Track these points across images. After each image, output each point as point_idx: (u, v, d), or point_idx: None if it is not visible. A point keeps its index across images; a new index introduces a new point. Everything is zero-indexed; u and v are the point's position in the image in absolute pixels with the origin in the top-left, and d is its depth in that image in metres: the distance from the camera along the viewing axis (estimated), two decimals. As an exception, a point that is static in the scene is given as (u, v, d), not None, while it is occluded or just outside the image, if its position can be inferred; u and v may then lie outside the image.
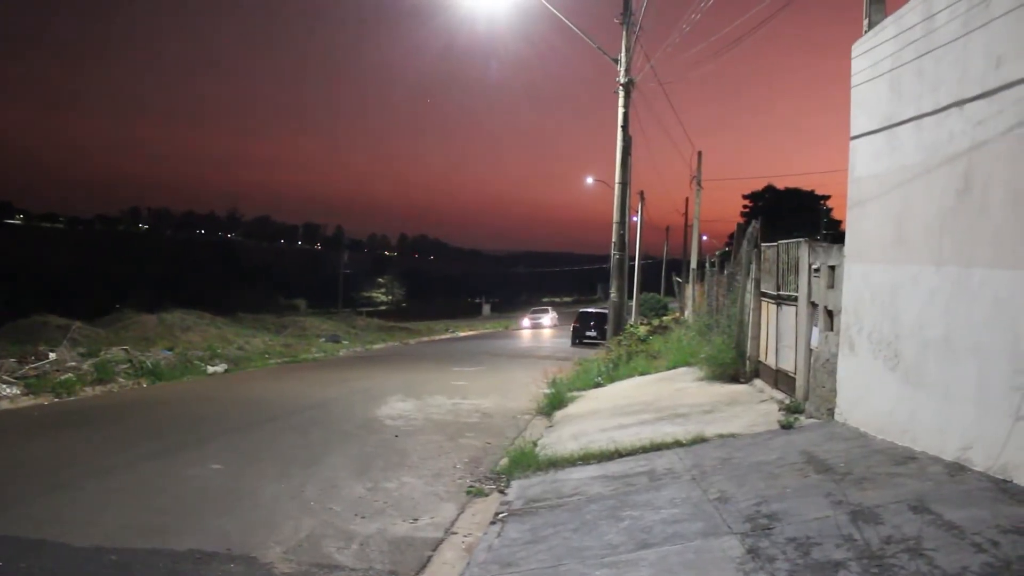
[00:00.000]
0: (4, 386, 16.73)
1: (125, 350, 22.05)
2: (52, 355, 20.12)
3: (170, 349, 24.05)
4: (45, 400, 16.32)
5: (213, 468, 9.51)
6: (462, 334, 49.22)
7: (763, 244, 12.65)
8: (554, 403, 13.76)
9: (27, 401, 16.11)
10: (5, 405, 15.62)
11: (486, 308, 78.71)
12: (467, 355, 29.80)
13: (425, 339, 43.84)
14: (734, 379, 12.84)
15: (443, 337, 46.20)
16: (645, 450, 8.64)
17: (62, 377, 18.02)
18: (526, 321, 62.47)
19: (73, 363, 19.70)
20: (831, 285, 9.02)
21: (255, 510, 7.63)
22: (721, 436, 8.72)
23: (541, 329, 57.24)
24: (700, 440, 8.68)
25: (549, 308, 67.17)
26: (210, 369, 22.55)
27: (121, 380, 19.28)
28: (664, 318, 29.54)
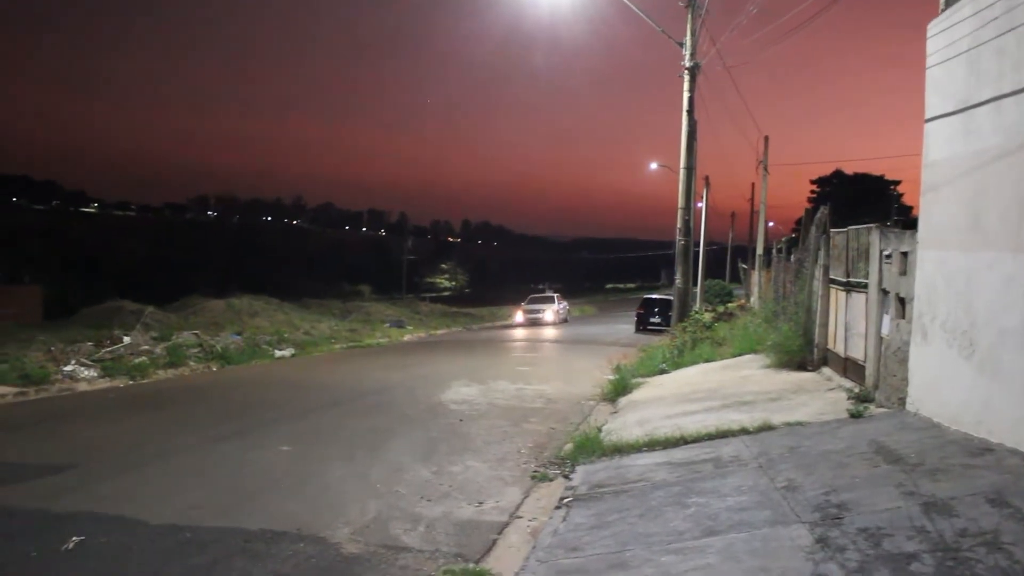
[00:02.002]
0: (82, 369, 17.27)
1: (196, 334, 22.57)
2: (127, 339, 20.68)
3: (239, 334, 24.55)
4: (120, 382, 16.80)
5: (281, 450, 9.70)
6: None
7: (832, 230, 12.42)
8: (618, 389, 13.72)
9: (103, 383, 16.61)
10: (83, 387, 16.12)
11: (549, 294, 78.66)
12: (531, 341, 29.84)
13: (488, 324, 44.16)
14: (801, 367, 12.65)
15: (507, 323, 46.36)
16: (711, 437, 8.57)
17: (136, 360, 18.54)
18: (519, 315, 44.68)
19: (146, 347, 20.23)
20: (903, 272, 8.82)
21: (322, 491, 7.77)
22: (788, 424, 8.60)
23: (541, 325, 41.57)
24: (766, 428, 8.58)
25: (555, 295, 48.40)
26: (277, 353, 22.96)
27: (192, 364, 19.75)
28: (729, 305, 29.15)
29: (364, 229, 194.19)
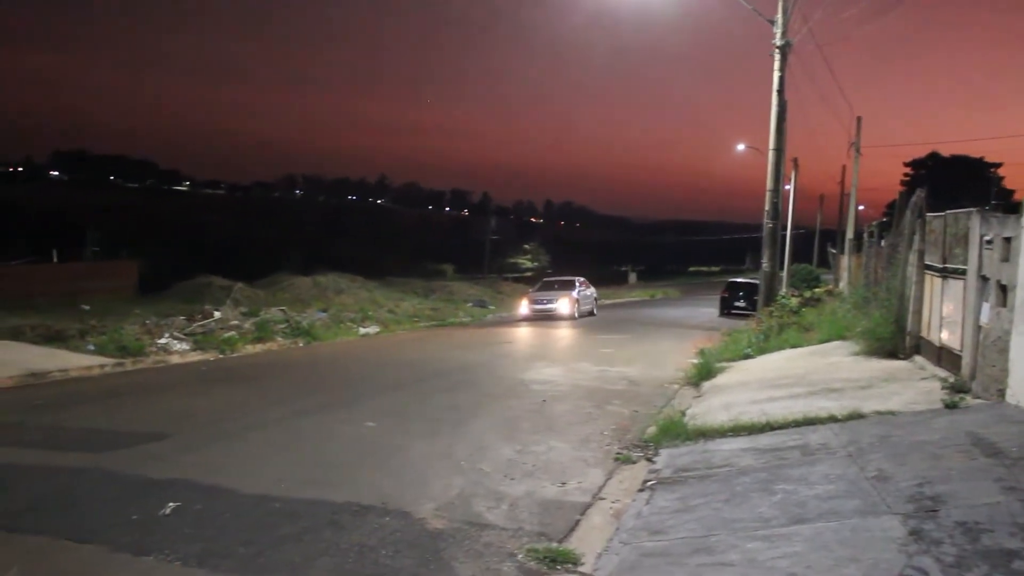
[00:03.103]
0: (175, 342, 17.83)
1: (283, 311, 23.06)
2: (217, 314, 21.25)
3: (324, 311, 24.99)
4: (211, 356, 17.29)
5: (367, 425, 9.86)
6: (608, 302, 48.97)
7: (928, 214, 12.04)
8: (702, 373, 13.58)
9: (195, 356, 17.11)
10: (176, 360, 16.64)
11: (632, 276, 77.68)
12: (613, 322, 29.73)
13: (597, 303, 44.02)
14: (892, 355, 12.32)
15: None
16: (797, 424, 8.42)
17: (226, 335, 19.03)
18: (524, 307, 32.56)
19: (235, 322, 20.75)
20: (1005, 258, 8.50)
21: (407, 467, 7.88)
22: (879, 413, 8.40)
23: (552, 320, 30.24)
24: (856, 416, 8.39)
25: (577, 280, 34.60)
26: (362, 331, 23.33)
27: (279, 339, 20.20)
28: (816, 290, 28.49)
29: (447, 209, 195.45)
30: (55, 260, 32.77)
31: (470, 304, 35.59)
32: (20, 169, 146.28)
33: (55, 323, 18.34)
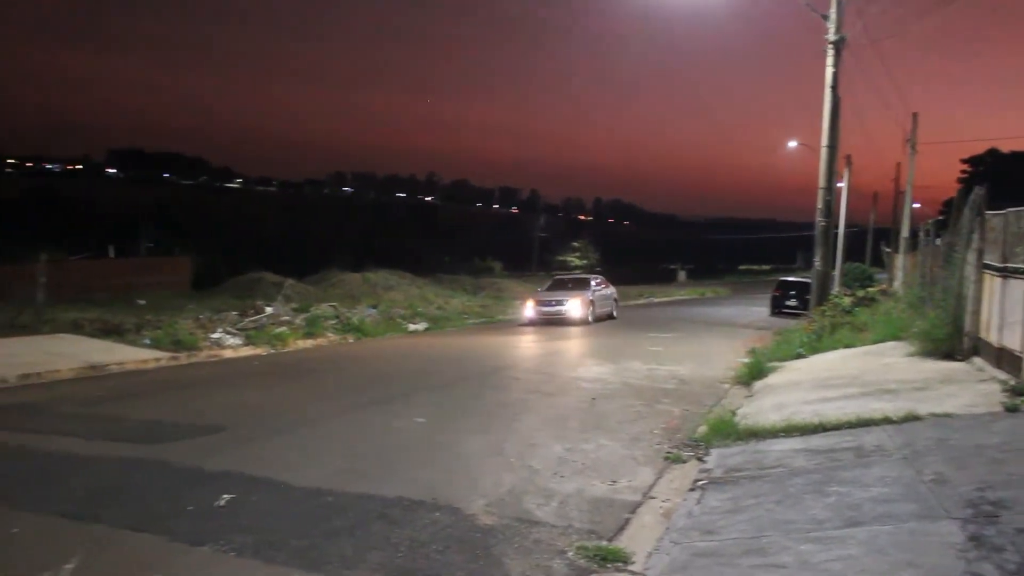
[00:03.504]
0: (228, 336, 18.10)
1: (333, 307, 23.30)
2: (269, 310, 21.54)
3: (374, 307, 25.20)
4: (262, 350, 17.53)
5: (417, 421, 9.93)
6: (657, 300, 48.71)
7: (987, 212, 11.78)
8: (753, 373, 13.44)
9: (247, 351, 17.37)
10: (229, 354, 16.90)
11: (681, 274, 77.00)
12: (662, 321, 29.56)
13: (619, 304, 43.82)
14: (949, 356, 12.08)
15: (638, 303, 45.90)
16: (851, 425, 8.30)
17: (277, 330, 19.28)
18: (528, 309, 27.79)
19: (286, 317, 21.02)
20: (1069, 258, 8.29)
21: (457, 463, 7.92)
22: (935, 415, 8.24)
23: (563, 325, 26.10)
24: (912, 418, 8.24)
25: (593, 278, 31.30)
26: (411, 327, 23.48)
27: (330, 335, 20.41)
28: (869, 289, 27.98)
29: (496, 206, 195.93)
30: (112, 255, 33.43)
31: (519, 302, 35.59)
32: (79, 167, 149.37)
33: (112, 317, 18.75)
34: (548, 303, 27.21)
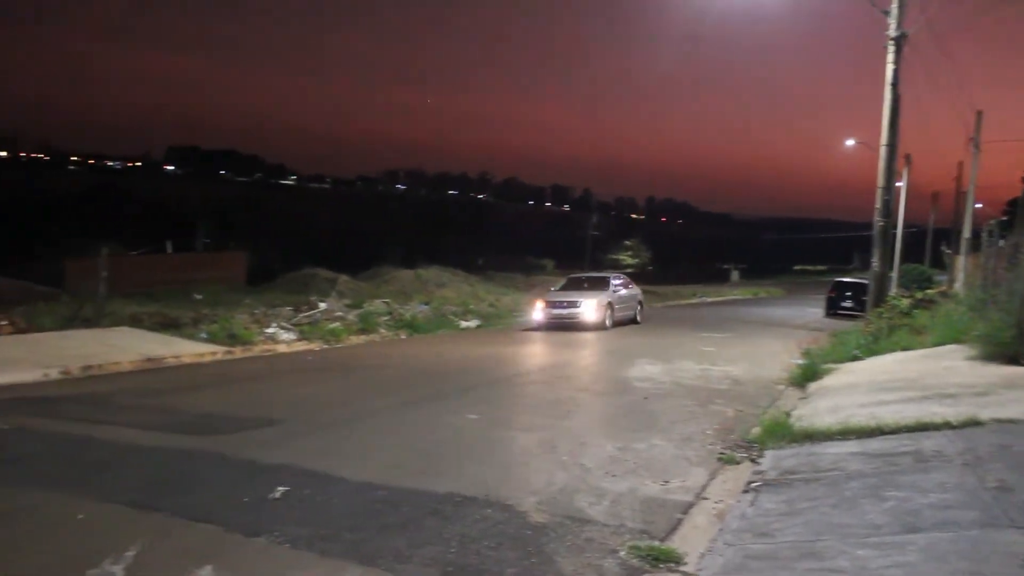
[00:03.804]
0: (282, 331, 18.34)
1: (386, 303, 23.50)
2: (323, 305, 21.79)
3: (426, 304, 25.35)
4: (316, 346, 17.74)
5: (469, 418, 9.97)
6: (709, 300, 48.32)
7: (1054, 213, 11.48)
8: (808, 374, 13.26)
9: (301, 346, 17.59)
10: (283, 348, 17.12)
11: (734, 274, 76.17)
12: (715, 321, 29.32)
13: (671, 303, 43.46)
14: (1013, 360, 11.78)
15: (690, 302, 45.62)
16: (909, 429, 8.13)
17: (330, 326, 19.50)
18: (537, 311, 24.83)
19: (340, 313, 21.24)
20: None
21: (509, 460, 7.94)
22: (998, 421, 8.04)
23: (576, 330, 23.20)
24: (973, 423, 8.05)
25: (612, 277, 27.60)
26: (463, 324, 23.58)
27: (382, 331, 20.59)
28: (928, 291, 27.44)
29: (548, 204, 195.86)
30: (169, 251, 34.04)
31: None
32: (139, 164, 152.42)
33: (170, 311, 19.11)
34: (560, 304, 24.18)
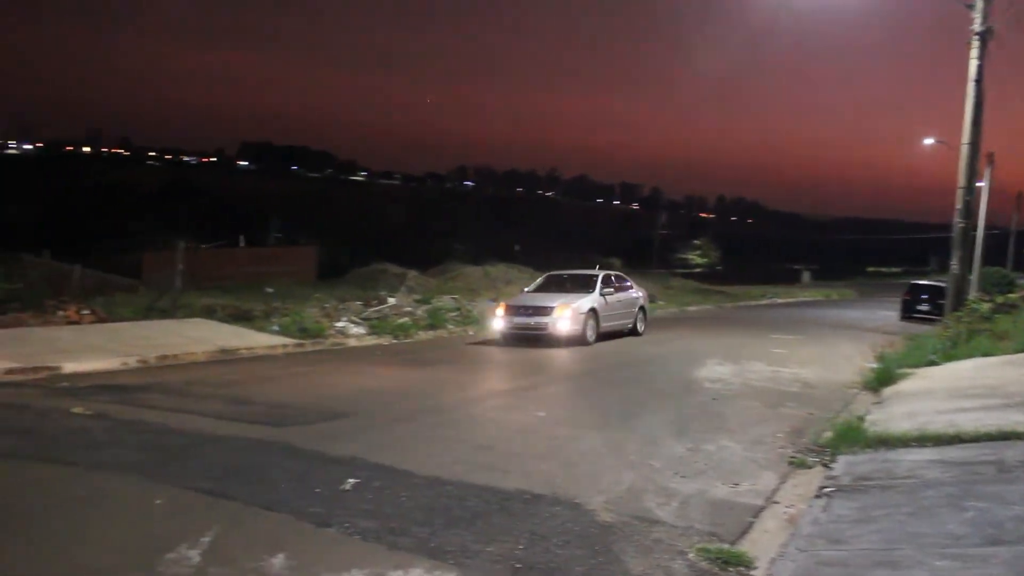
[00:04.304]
0: (352, 326, 18.55)
1: (454, 299, 23.65)
2: (391, 300, 22.00)
3: (494, 300, 25.40)
4: (385, 341, 17.91)
5: (537, 415, 9.97)
6: (780, 300, 47.58)
7: None
8: (882, 379, 12.96)
9: (370, 340, 17.78)
10: (353, 343, 17.33)
11: (805, 275, 74.79)
12: (786, 322, 28.87)
13: (741, 303, 42.91)
14: (1101, 368, 11.39)
15: (760, 303, 45.00)
16: (991, 438, 7.89)
17: (399, 321, 19.67)
18: (499, 319, 19.09)
19: (409, 309, 21.43)
20: None
21: (577, 458, 7.91)
22: (1086, 431, 7.77)
23: (537, 340, 18.33)
24: (1059, 434, 7.79)
25: (603, 276, 20.92)
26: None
27: (450, 327, 20.70)
28: (1010, 295, 26.57)
29: (616, 202, 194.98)
30: (242, 245, 34.74)
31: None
32: (214, 160, 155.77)
33: (242, 304, 19.48)
34: (524, 311, 18.80)
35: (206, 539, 5.25)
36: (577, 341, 18.17)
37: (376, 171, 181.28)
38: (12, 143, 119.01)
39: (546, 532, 5.64)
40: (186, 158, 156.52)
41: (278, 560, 4.95)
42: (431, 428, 9.15)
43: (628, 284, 21.99)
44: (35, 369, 12.02)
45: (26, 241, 31.08)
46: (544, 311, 18.40)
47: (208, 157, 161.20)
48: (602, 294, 19.78)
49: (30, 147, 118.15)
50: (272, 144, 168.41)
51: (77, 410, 9.43)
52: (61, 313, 16.88)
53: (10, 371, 11.78)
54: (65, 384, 11.33)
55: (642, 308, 21.96)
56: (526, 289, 21.62)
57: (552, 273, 22.45)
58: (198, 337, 15.41)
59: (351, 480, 6.66)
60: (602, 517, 6.03)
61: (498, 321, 18.98)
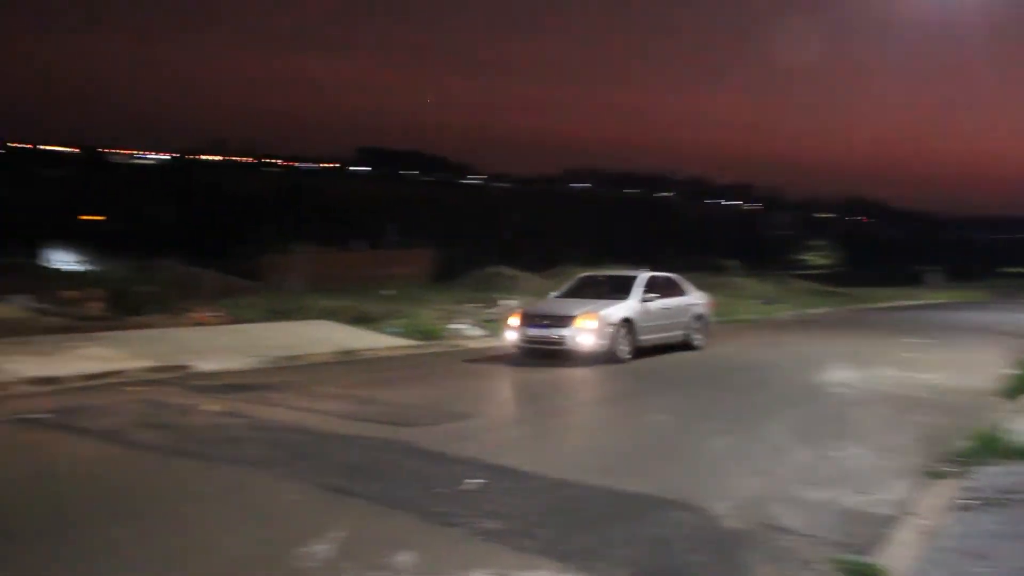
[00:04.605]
0: (468, 327, 18.74)
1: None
2: (508, 302, 22.13)
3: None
4: (500, 342, 17.98)
5: (658, 419, 9.88)
6: (908, 303, 45.78)
7: None
8: (1022, 385, 12.32)
9: (487, 342, 17.97)
10: (471, 344, 17.53)
11: (933, 276, 71.94)
12: (915, 325, 27.74)
13: (865, 306, 41.43)
14: None
15: (886, 305, 43.33)
16: None
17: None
18: (512, 329, 15.68)
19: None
20: None
21: (700, 463, 7.80)
22: None
23: (556, 356, 15.19)
24: None
25: (639, 280, 16.76)
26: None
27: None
28: None
29: (733, 202, 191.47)
30: (358, 248, 35.56)
31: (763, 302, 34.53)
32: (333, 165, 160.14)
33: (360, 305, 19.94)
34: (540, 322, 15.47)
35: (335, 535, 5.37)
36: (605, 357, 14.91)
37: (489, 174, 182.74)
38: (147, 153, 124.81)
39: (670, 537, 5.57)
40: (305, 164, 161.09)
41: (405, 558, 5.02)
42: (553, 430, 9.21)
43: (680, 287, 18.32)
44: (170, 368, 12.63)
45: (159, 246, 32.51)
46: (563, 321, 15.06)
47: (326, 162, 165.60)
48: (642, 300, 16.21)
49: (163, 157, 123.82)
50: (384, 149, 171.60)
51: (211, 407, 9.84)
52: (191, 315, 17.65)
53: (149, 369, 12.42)
54: (198, 382, 11.87)
55: (699, 317, 18.13)
56: (553, 294, 18.17)
57: (586, 274, 19.11)
58: (320, 338, 15.83)
59: (474, 481, 6.72)
60: (728, 524, 5.91)
61: (510, 332, 15.71)
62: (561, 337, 14.93)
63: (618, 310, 15.48)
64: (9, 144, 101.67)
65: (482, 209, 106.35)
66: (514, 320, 15.80)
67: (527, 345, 15.50)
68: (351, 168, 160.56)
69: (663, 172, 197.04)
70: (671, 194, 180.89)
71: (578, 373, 13.88)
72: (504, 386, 12.32)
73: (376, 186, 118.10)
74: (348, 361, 14.49)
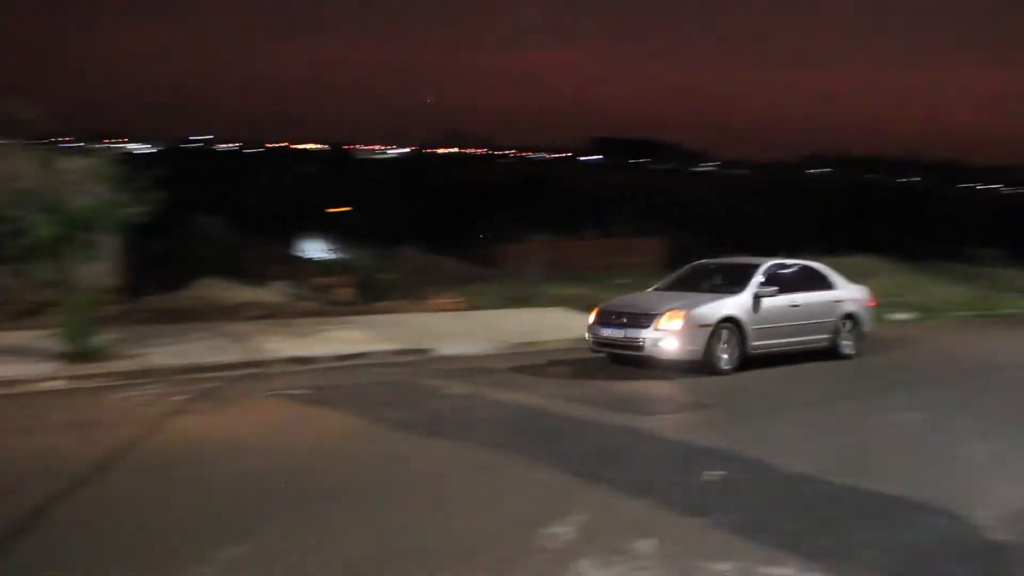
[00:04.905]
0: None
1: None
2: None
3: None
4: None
5: (908, 417, 9.32)
6: None
7: None
8: None
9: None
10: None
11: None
12: None
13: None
14: None
15: None
16: None
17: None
18: (591, 327, 13.00)
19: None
20: None
21: (956, 467, 7.30)
22: None
23: (633, 360, 12.50)
24: None
25: (762, 267, 13.20)
26: (894, 317, 22.14)
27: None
28: None
29: (991, 185, 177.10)
30: (592, 236, 35.83)
31: (1016, 294, 31.69)
32: (566, 155, 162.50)
33: (594, 293, 20.09)
34: (613, 319, 12.70)
35: (577, 518, 5.51)
36: (697, 366, 11.91)
37: (725, 160, 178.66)
38: (388, 148, 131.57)
39: (924, 543, 5.30)
40: (539, 154, 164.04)
41: (646, 544, 5.07)
42: (796, 424, 8.95)
43: (825, 280, 14.56)
44: (414, 351, 13.37)
45: (401, 236, 34.19)
46: (643, 320, 12.13)
47: (560, 152, 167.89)
48: (757, 294, 12.69)
49: (405, 151, 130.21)
50: (616, 139, 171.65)
51: (456, 390, 10.32)
52: (431, 301, 18.52)
53: (394, 352, 13.20)
54: (441, 366, 12.46)
55: (850, 316, 14.24)
56: (655, 286, 14.94)
57: (698, 262, 15.74)
58: (557, 325, 16.15)
59: (715, 472, 6.68)
60: (992, 535, 5.47)
61: (590, 328, 13.15)
62: (638, 340, 12.08)
63: (718, 307, 12.28)
64: (267, 144, 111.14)
65: (716, 196, 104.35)
66: (592, 316, 13.26)
67: (600, 348, 12.99)
68: (582, 158, 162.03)
69: (912, 155, 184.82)
70: (917, 179, 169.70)
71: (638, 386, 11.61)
72: (741, 379, 11.94)
73: (608, 175, 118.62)
74: (584, 348, 14.66)
